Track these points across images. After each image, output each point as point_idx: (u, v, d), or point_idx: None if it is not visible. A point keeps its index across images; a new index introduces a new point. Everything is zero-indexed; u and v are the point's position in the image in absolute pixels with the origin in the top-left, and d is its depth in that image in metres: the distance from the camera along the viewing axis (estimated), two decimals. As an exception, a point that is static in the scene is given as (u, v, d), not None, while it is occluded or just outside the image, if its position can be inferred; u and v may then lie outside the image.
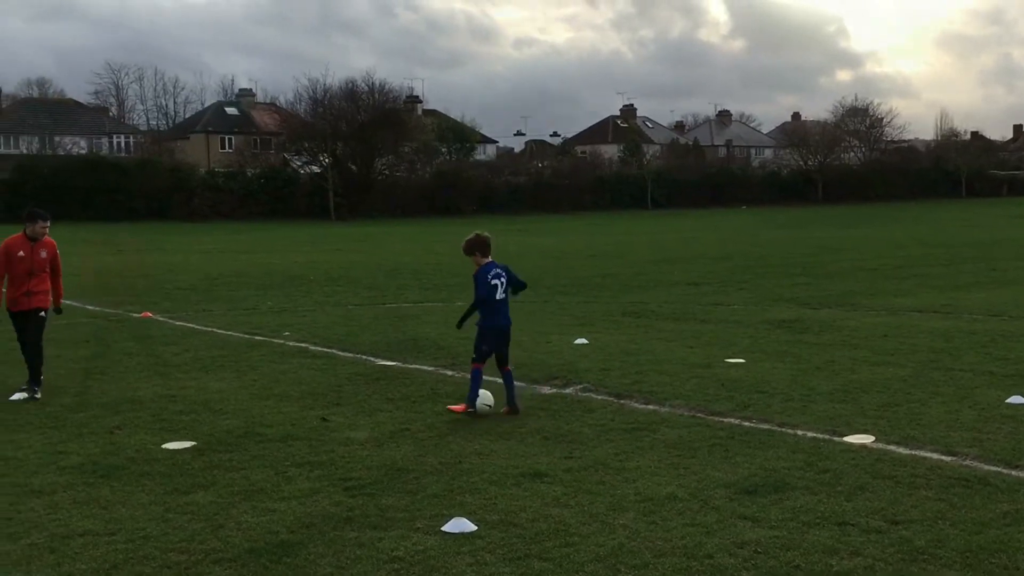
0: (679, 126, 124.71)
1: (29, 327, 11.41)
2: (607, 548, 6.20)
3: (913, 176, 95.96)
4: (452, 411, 9.88)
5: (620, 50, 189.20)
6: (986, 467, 7.81)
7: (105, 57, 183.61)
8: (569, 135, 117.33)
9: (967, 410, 9.72)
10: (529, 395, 10.75)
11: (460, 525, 6.56)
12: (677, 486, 7.44)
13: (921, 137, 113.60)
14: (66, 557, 6.22)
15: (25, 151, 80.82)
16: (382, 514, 6.90)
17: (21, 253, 11.37)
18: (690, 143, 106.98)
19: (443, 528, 6.55)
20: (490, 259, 10.32)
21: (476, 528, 6.54)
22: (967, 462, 7.96)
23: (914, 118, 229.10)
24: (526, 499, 7.17)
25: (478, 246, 10.33)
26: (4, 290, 11.40)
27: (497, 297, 10.19)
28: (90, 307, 19.84)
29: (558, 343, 14.34)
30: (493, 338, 10.20)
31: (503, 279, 10.25)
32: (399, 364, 12.87)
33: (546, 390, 11.11)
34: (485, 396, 9.91)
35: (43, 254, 11.53)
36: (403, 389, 11.24)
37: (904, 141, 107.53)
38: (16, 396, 11.04)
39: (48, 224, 11.62)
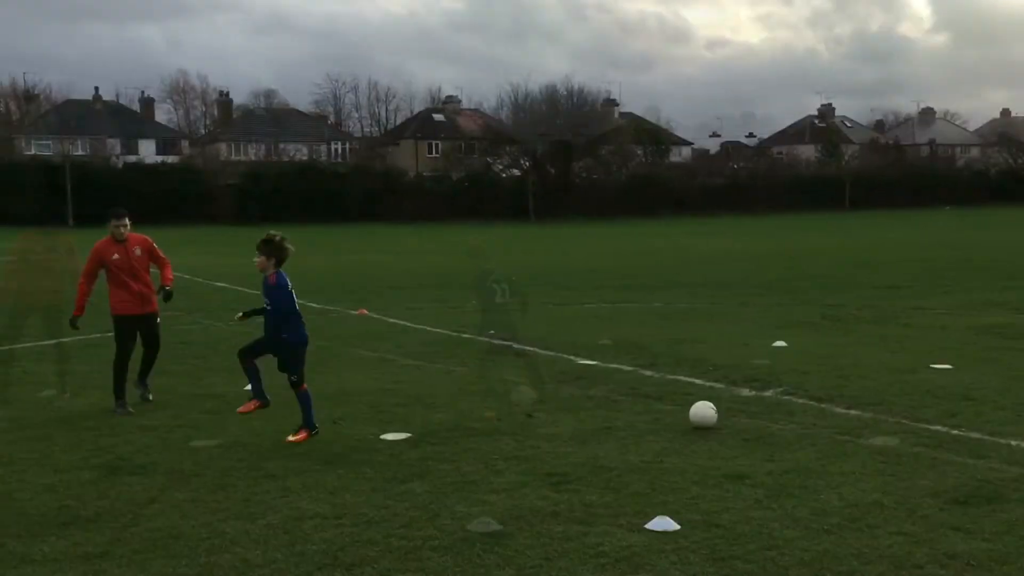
0: (879, 125, 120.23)
1: (150, 333, 11.13)
2: (812, 553, 6.09)
3: None
4: (293, 440, 9.04)
5: (816, 48, 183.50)
6: None
7: (318, 68, 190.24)
8: (765, 136, 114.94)
9: None
10: (728, 397, 10.64)
11: (663, 523, 6.56)
12: (883, 493, 7.22)
13: None
14: (298, 538, 6.54)
15: (253, 157, 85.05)
16: (587, 509, 6.97)
17: (116, 256, 10.95)
18: (891, 142, 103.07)
19: (647, 526, 6.57)
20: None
21: (679, 527, 6.54)
22: None
23: None
24: (728, 500, 7.12)
25: (278, 251, 9.37)
26: (74, 294, 11.05)
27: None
28: (313, 304, 20.69)
29: (756, 346, 14.12)
30: (303, 353, 9.49)
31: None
32: (599, 364, 12.93)
33: (745, 392, 10.96)
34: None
35: (138, 252, 11.11)
36: (603, 388, 11.30)
37: None
38: (249, 387, 11.60)
39: (121, 222, 11.05)
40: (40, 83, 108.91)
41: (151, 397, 11.06)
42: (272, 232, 9.60)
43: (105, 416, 10.21)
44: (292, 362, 9.28)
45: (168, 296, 11.32)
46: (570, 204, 74.11)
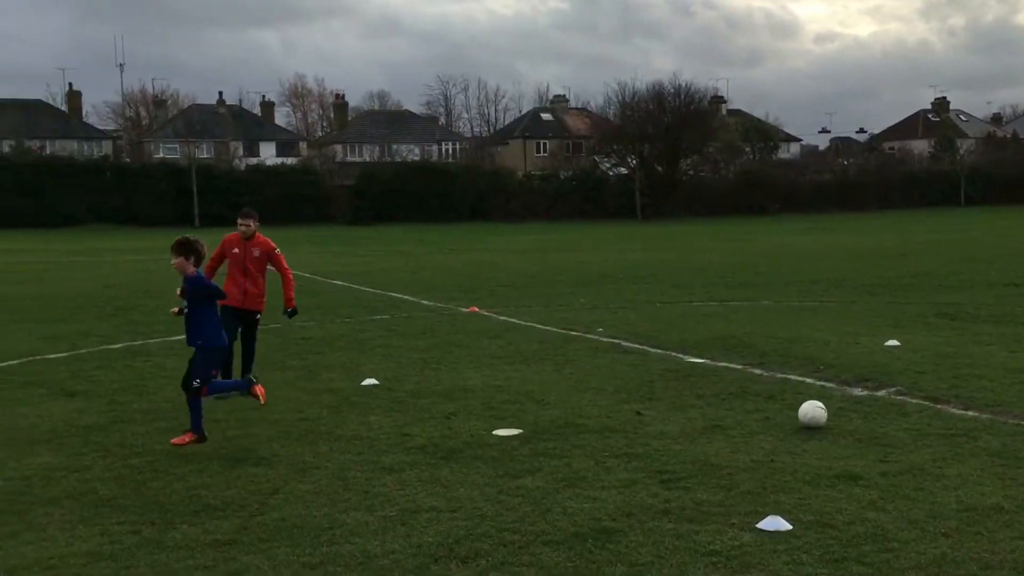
0: (996, 118, 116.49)
1: (246, 328, 11.65)
2: (928, 557, 5.94)
3: None
4: (177, 444, 8.78)
5: (928, 40, 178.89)
6: None
7: (428, 69, 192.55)
8: (876, 131, 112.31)
9: None
10: (839, 397, 10.44)
11: (775, 523, 6.46)
12: (1003, 496, 6.99)
13: None
14: (415, 529, 6.63)
15: (367, 159, 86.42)
16: (697, 508, 6.92)
17: (236, 250, 11.63)
18: (1008, 136, 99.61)
19: (758, 525, 6.48)
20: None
21: (791, 527, 6.43)
22: None
23: None
24: (841, 501, 6.98)
25: (196, 250, 9.02)
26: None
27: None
28: (425, 302, 20.96)
29: (868, 344, 13.82)
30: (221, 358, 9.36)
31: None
32: (708, 362, 12.80)
33: (857, 392, 10.73)
34: (814, 410, 9.21)
35: (256, 253, 11.68)
36: (713, 386, 11.17)
37: None
38: (367, 382, 11.82)
39: (246, 222, 11.64)
40: (168, 89, 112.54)
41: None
42: (185, 235, 9.25)
43: (232, 409, 10.48)
44: (205, 365, 8.94)
45: (291, 315, 12.18)
46: (677, 202, 73.45)
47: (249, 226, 11.74)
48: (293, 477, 7.95)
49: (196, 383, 8.86)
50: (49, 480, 7.92)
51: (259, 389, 9.39)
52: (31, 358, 14.02)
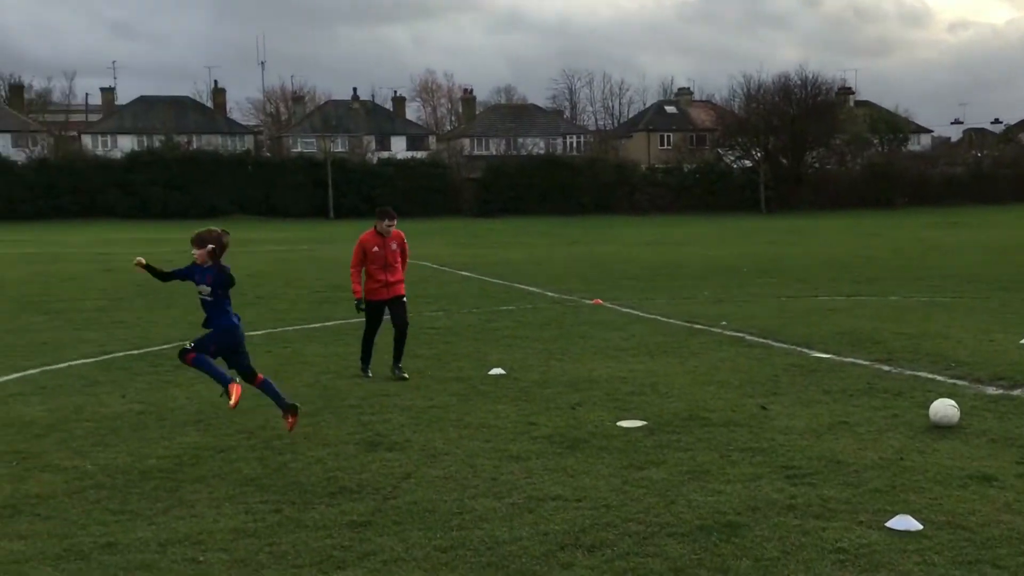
0: None
1: (396, 312, 12.03)
2: None
3: None
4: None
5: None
6: None
7: (552, 63, 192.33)
8: (1012, 122, 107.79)
9: None
10: (972, 395, 10.10)
11: (905, 523, 6.30)
12: None
13: None
14: (542, 518, 6.67)
15: (494, 152, 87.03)
16: (824, 504, 6.79)
17: (376, 248, 11.96)
18: None
19: (887, 524, 6.33)
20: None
21: (921, 527, 6.26)
22: None
23: None
24: (974, 502, 6.75)
25: (220, 241, 8.93)
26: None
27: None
28: (550, 293, 21.04)
29: (1002, 342, 13.31)
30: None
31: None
32: (834, 357, 12.52)
33: (991, 390, 10.35)
34: (945, 408, 8.93)
35: (393, 247, 12.11)
36: (839, 382, 10.93)
37: None
38: (494, 371, 11.95)
39: (392, 222, 12.16)
40: (306, 85, 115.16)
41: (406, 376, 11.73)
42: (206, 228, 9.21)
43: (366, 395, 10.73)
44: (211, 341, 8.97)
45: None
46: (802, 195, 72.02)
47: (393, 225, 12.24)
48: (424, 462, 8.09)
49: (190, 345, 8.97)
50: (197, 459, 8.24)
51: (235, 389, 8.88)
52: (181, 343, 14.53)
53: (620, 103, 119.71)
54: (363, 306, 12.04)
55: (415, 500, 7.11)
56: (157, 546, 6.24)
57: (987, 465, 7.61)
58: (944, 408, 8.91)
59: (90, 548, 6.21)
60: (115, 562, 5.98)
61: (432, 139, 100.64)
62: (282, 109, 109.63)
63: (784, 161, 74.71)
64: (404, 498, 7.16)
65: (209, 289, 8.87)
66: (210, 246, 8.85)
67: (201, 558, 6.03)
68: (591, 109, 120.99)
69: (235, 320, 9.05)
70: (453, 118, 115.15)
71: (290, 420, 8.98)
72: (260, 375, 9.18)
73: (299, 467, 8.01)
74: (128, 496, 7.26)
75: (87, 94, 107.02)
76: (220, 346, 9.03)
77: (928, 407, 9.07)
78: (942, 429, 8.73)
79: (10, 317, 17.36)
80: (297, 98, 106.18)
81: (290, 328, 16.20)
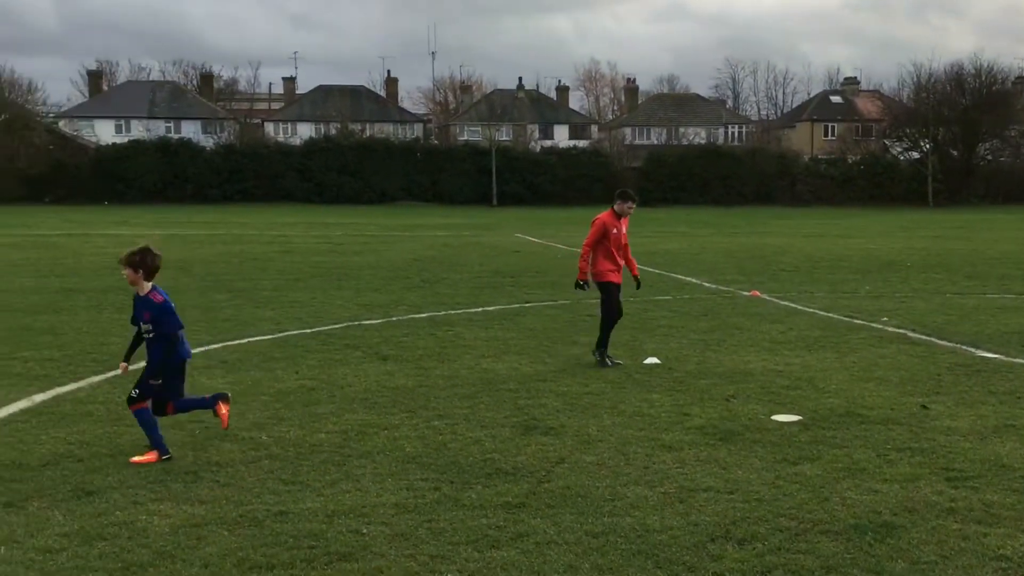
0: None
1: (611, 299, 11.93)
2: None
3: None
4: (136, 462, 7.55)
5: None
6: None
7: (714, 53, 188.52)
8: None
9: None
10: None
11: (1072, 533, 5.99)
12: None
13: None
14: (693, 508, 6.60)
15: (655, 141, 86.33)
16: (987, 509, 6.49)
17: (615, 231, 11.91)
18: None
19: (1053, 532, 6.03)
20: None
21: (1090, 538, 5.94)
22: None
23: None
24: None
25: (145, 262, 7.71)
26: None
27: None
28: (706, 284, 20.75)
29: None
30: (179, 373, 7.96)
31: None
32: (1001, 357, 11.95)
33: None
34: None
35: (624, 230, 12.09)
36: (1006, 383, 10.43)
37: None
38: (649, 360, 11.87)
39: (632, 204, 12.11)
40: (473, 75, 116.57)
41: (619, 362, 11.75)
42: (142, 243, 7.97)
43: (523, 380, 10.82)
44: (154, 375, 7.74)
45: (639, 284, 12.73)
46: (972, 188, 68.81)
47: (634, 208, 12.24)
48: (578, 448, 8.11)
49: (135, 393, 7.71)
50: (363, 435, 8.47)
51: (223, 411, 8.10)
52: (350, 323, 15.01)
53: (784, 93, 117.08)
54: (587, 286, 12.09)
55: (568, 485, 7.13)
56: (324, 517, 6.45)
57: None
58: None
59: (264, 515, 6.47)
60: (286, 530, 6.22)
61: (594, 128, 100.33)
62: (450, 98, 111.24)
63: (954, 153, 71.55)
64: (557, 482, 7.19)
65: (150, 328, 7.76)
66: (138, 269, 7.70)
67: (364, 530, 6.21)
68: (754, 99, 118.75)
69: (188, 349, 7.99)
70: (615, 107, 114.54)
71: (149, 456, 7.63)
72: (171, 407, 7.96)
73: (458, 447, 8.14)
74: (299, 468, 7.53)
75: (270, 83, 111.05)
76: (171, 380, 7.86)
77: (1102, 413, 8.56)
78: (1116, 436, 8.22)
79: (198, 294, 18.22)
80: (465, 87, 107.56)
81: (453, 312, 16.47)
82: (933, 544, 5.91)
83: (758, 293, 18.75)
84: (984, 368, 11.32)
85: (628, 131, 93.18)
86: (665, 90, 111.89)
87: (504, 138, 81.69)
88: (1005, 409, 9.29)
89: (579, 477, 7.31)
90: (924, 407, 9.35)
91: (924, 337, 13.55)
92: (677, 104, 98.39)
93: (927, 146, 71.30)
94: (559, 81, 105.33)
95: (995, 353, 12.22)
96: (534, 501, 6.78)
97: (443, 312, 16.40)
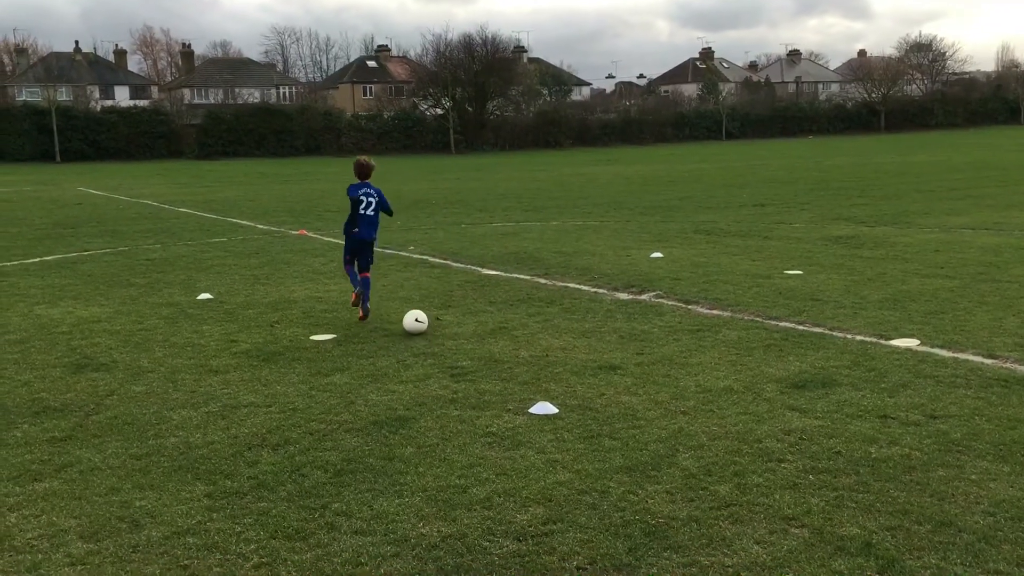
0: (752, 66, 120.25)
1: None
2: (668, 431, 6.06)
3: (974, 105, 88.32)
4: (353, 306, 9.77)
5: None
6: (1024, 368, 7.19)
7: (262, 21, 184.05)
8: (653, 76, 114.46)
9: (1011, 318, 8.95)
10: (609, 300, 10.64)
11: (544, 408, 6.54)
12: (734, 380, 7.17)
13: (983, 69, 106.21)
14: (234, 423, 6.45)
15: (212, 101, 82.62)
16: (480, 397, 6.92)
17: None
18: (762, 80, 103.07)
19: (530, 410, 6.54)
20: (363, 182, 9.79)
21: (557, 411, 6.51)
22: (1007, 364, 7.31)
23: (975, 50, 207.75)
24: (601, 388, 7.08)
25: (354, 168, 9.86)
26: None
27: (361, 212, 9.69)
28: (260, 226, 20.30)
29: (636, 256, 14.13)
30: (350, 246, 9.86)
31: (372, 199, 9.75)
32: (501, 273, 12.83)
33: (623, 296, 10.92)
34: (416, 317, 9.07)
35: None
36: (503, 294, 11.19)
37: (966, 73, 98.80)
38: (203, 296, 11.37)
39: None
40: (28, 38, 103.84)
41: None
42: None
43: (77, 322, 9.95)
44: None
45: None
46: (485, 138, 73.39)
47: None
48: (128, 380, 7.61)
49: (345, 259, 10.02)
50: None
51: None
52: None
53: (327, 58, 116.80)
54: None
55: (116, 415, 6.68)
56: None
57: (614, 357, 7.99)
58: (409, 321, 9.07)
59: None
60: None
61: (154, 89, 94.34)
62: (6, 61, 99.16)
63: (470, 109, 75.52)
64: (106, 413, 6.72)
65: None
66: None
67: None
68: (301, 63, 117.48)
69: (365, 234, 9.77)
70: (174, 70, 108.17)
71: (360, 316, 9.58)
72: None
73: (5, 390, 7.35)
74: None
75: None
76: (350, 251, 9.97)
77: (575, 312, 9.44)
78: (584, 329, 9.12)
79: None
80: (20, 50, 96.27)
81: (8, 264, 14.74)
82: (437, 429, 6.22)
83: (305, 232, 18.67)
84: (487, 283, 12.06)
85: (187, 92, 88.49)
86: (220, 55, 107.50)
87: (64, 99, 74.02)
88: (500, 315, 9.94)
89: (128, 407, 6.87)
90: (438, 318, 9.78)
91: (441, 261, 14.22)
92: (232, 67, 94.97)
93: (448, 103, 74.68)
94: (116, 45, 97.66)
95: (496, 270, 13.09)
96: (81, 433, 6.28)
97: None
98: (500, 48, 78.95)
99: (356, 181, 9.76)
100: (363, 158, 9.86)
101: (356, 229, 9.67)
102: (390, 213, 10.08)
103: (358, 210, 9.67)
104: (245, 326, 9.64)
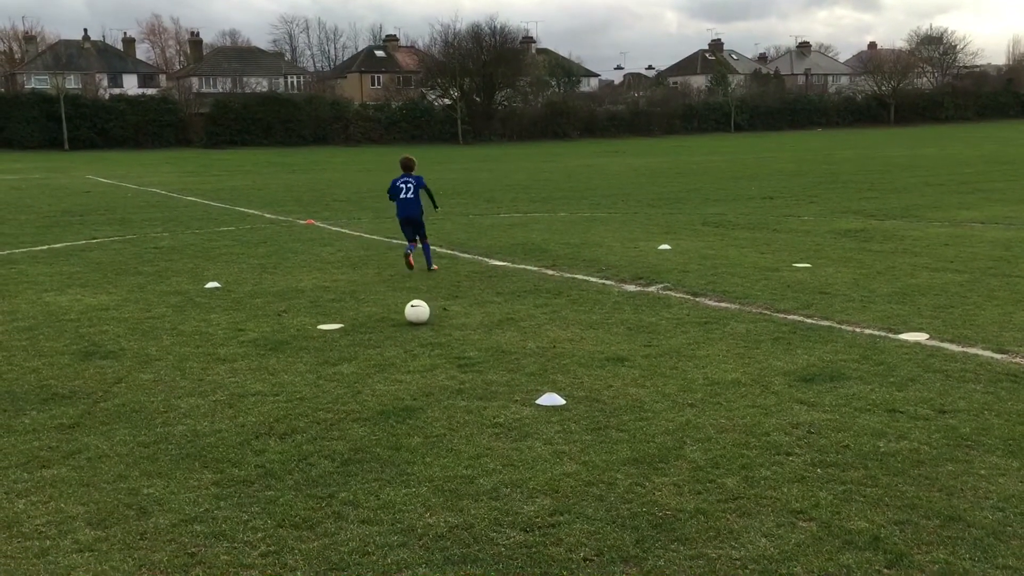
0: (762, 58, 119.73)
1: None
2: (676, 423, 6.04)
3: (984, 99, 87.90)
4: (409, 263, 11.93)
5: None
6: (1033, 363, 7.15)
7: (271, 10, 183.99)
8: (662, 68, 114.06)
9: (1021, 312, 8.92)
10: (617, 292, 10.63)
11: (551, 399, 6.53)
12: (741, 372, 7.15)
13: (994, 62, 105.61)
14: (241, 411, 6.46)
15: (220, 90, 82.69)
16: (487, 388, 6.91)
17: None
18: (771, 72, 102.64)
19: (537, 401, 6.53)
20: (405, 174, 12.35)
21: (564, 402, 6.50)
22: (1017, 359, 7.28)
23: (986, 43, 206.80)
24: (609, 379, 7.07)
25: (400, 163, 12.66)
26: None
27: (401, 197, 12.17)
28: (268, 215, 20.32)
29: (644, 248, 14.10)
30: (401, 224, 12.29)
31: (411, 184, 12.20)
32: (508, 264, 12.84)
33: (631, 288, 10.90)
34: (412, 303, 9.15)
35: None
36: (510, 285, 11.19)
37: (976, 66, 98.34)
38: (210, 285, 11.39)
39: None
40: (36, 26, 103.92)
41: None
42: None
43: (85, 309, 9.97)
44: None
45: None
46: (493, 128, 73.29)
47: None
48: (136, 367, 7.63)
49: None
50: (-101, 378, 7.32)
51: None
52: None
53: (335, 48, 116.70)
54: None
55: (124, 402, 6.69)
56: None
57: (622, 349, 7.98)
58: (408, 310, 9.06)
59: None
60: None
61: (163, 77, 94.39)
62: (15, 48, 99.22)
63: (478, 99, 75.43)
64: (114, 401, 6.73)
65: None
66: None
67: None
68: (309, 52, 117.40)
69: (408, 212, 12.37)
70: (182, 59, 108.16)
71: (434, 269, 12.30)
72: None
73: (13, 377, 7.36)
74: None
75: None
76: (404, 228, 12.56)
77: (582, 303, 9.43)
78: (591, 320, 9.11)
79: None
80: (29, 38, 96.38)
81: (16, 251, 14.80)
82: (444, 420, 6.21)
83: (313, 221, 18.68)
84: (494, 274, 12.05)
85: (195, 80, 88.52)
86: (228, 43, 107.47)
87: (73, 86, 74.10)
88: (508, 306, 9.93)
89: (136, 394, 6.88)
90: (445, 309, 9.78)
91: (449, 251, 14.23)
92: (240, 56, 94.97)
93: (456, 94, 74.59)
94: (124, 33, 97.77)
95: (504, 261, 13.08)
96: (89, 420, 6.29)
97: (6, 252, 14.67)
98: (509, 39, 78.78)
99: (400, 174, 12.38)
100: (406, 156, 12.70)
101: (400, 211, 12.14)
102: (429, 192, 12.58)
103: (399, 195, 12.16)
104: (252, 315, 9.64)
